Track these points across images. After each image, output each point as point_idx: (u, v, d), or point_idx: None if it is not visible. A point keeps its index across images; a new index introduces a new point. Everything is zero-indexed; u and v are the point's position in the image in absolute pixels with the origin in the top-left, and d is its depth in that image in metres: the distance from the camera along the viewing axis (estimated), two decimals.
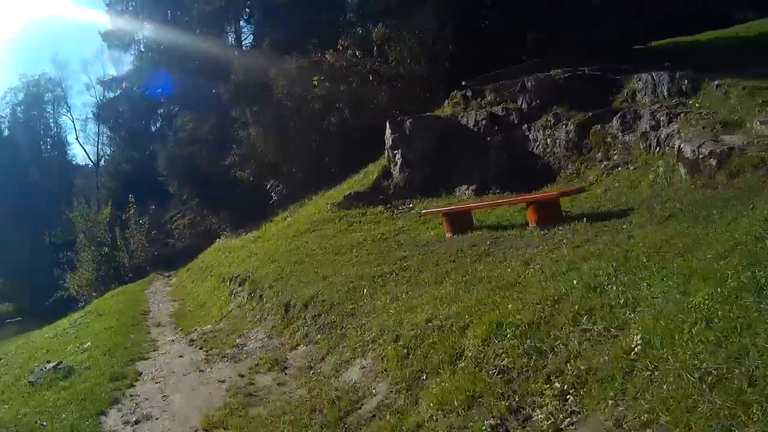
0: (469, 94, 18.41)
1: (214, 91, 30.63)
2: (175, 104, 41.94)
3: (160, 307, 19.99)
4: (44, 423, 8.81)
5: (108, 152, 61.19)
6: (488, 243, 10.43)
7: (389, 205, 16.85)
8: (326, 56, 24.41)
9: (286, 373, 9.10)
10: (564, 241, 9.02)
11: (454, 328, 6.80)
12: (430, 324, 7.21)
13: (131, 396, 9.61)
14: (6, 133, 78.94)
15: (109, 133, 57.60)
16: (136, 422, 8.44)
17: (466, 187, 16.37)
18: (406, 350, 7.10)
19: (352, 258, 12.42)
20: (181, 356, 11.65)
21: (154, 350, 12.63)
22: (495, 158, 16.33)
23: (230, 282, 17.10)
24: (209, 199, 31.11)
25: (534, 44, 20.24)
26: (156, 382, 10.13)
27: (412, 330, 7.35)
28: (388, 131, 18.51)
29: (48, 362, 12.69)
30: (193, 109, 34.78)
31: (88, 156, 73.31)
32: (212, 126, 31.46)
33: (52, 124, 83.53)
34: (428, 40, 21.47)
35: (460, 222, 12.33)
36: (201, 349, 11.94)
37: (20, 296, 59.25)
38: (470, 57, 20.41)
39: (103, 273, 37.93)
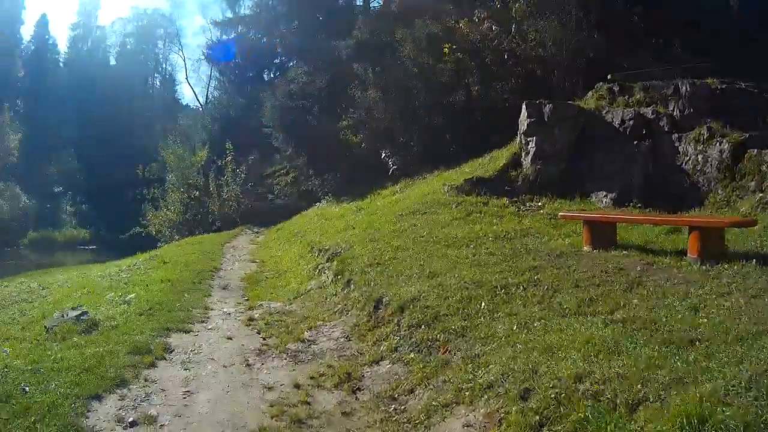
0: (616, 88, 16.24)
1: (334, 43, 29.12)
2: (290, 56, 40.85)
3: (234, 266, 18.51)
4: (26, 387, 7.24)
5: (215, 96, 60.03)
6: (638, 269, 8.63)
7: (515, 199, 14.86)
8: (460, 25, 22.43)
9: (356, 398, 7.22)
10: (734, 285, 7.36)
11: (618, 402, 4.88)
12: (581, 386, 5.27)
13: (145, 381, 7.84)
14: (113, 62, 79.97)
15: (218, 76, 56.62)
16: (131, 424, 6.60)
17: (604, 194, 14.39)
18: (539, 418, 5.16)
19: (468, 255, 10.44)
20: (230, 338, 9.88)
21: (201, 321, 10.97)
22: (640, 167, 14.33)
23: (318, 254, 15.32)
24: (315, 158, 29.32)
25: (684, 46, 17.92)
26: (185, 369, 8.34)
27: (551, 387, 5.38)
28: (523, 114, 16.38)
29: (73, 309, 11.41)
30: (309, 63, 33.16)
31: (196, 97, 73.90)
32: (327, 82, 29.73)
33: (162, 60, 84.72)
34: (571, 25, 19.27)
35: (603, 235, 10.33)
36: (258, 333, 10.15)
37: (100, 225, 59.76)
38: (614, 49, 18.29)
39: (189, 217, 37.05)
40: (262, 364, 8.59)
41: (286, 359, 8.71)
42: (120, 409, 6.93)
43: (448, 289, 8.71)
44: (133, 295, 12.85)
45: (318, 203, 28.48)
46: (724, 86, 14.59)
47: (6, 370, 7.96)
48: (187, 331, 10.24)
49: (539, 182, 15.42)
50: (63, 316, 10.81)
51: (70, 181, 67.64)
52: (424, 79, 22.69)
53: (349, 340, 9.23)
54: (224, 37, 50.32)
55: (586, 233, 10.44)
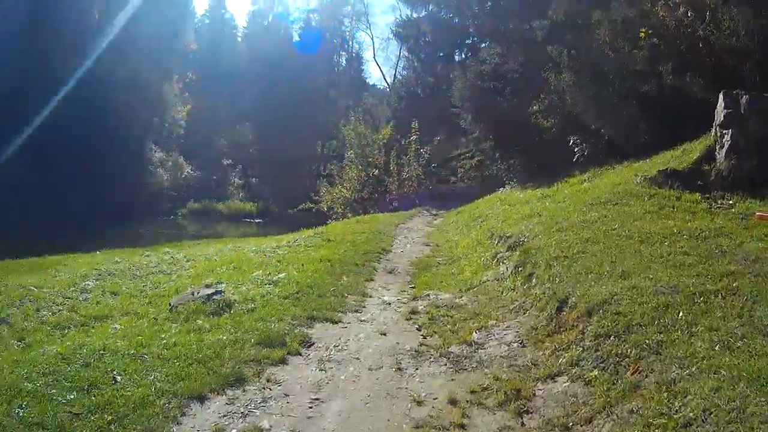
0: None
1: (528, 27, 28.63)
2: (482, 36, 40.60)
3: (405, 248, 18.38)
4: (118, 376, 6.73)
5: (403, 74, 60.53)
6: None
7: (707, 195, 14.23)
8: (657, 8, 21.71)
9: (522, 423, 6.48)
10: None
11: None
12: None
13: (267, 381, 7.29)
14: (296, 38, 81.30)
15: (407, 54, 57.06)
16: None
17: None
18: None
19: (663, 254, 9.94)
20: (384, 333, 9.33)
21: (355, 311, 10.60)
22: None
23: (498, 242, 15.03)
24: (502, 142, 29.17)
25: None
26: (320, 369, 7.83)
27: None
28: (720, 104, 15.63)
29: (207, 286, 10.95)
30: (502, 44, 32.71)
31: (383, 76, 74.65)
32: (519, 64, 29.37)
33: (348, 38, 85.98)
34: (766, 13, 18.24)
35: None
36: (419, 329, 9.65)
37: (270, 199, 61.42)
38: None
39: (365, 195, 37.28)
40: (416, 369, 7.95)
41: (445, 365, 8.08)
42: (224, 416, 6.30)
43: (642, 292, 8.05)
44: (283, 275, 12.54)
45: (502, 188, 28.29)
46: None
47: (102, 351, 7.48)
48: (335, 322, 9.80)
49: (732, 178, 14.72)
50: (193, 294, 10.49)
51: (241, 154, 70.08)
52: (618, 65, 22.07)
53: (524, 346, 8.58)
54: (414, 15, 50.44)
55: None
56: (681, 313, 7.32)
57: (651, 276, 8.79)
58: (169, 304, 10.31)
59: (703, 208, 13.36)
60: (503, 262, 13.22)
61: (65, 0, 43.24)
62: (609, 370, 6.84)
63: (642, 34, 21.24)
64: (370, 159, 38.03)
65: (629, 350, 6.88)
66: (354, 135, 39.03)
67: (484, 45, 38.76)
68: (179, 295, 10.92)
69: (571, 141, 24.43)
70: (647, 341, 6.83)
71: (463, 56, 45.15)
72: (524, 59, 29.08)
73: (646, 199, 14.05)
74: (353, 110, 44.73)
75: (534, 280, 10.79)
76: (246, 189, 66.87)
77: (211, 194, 60.41)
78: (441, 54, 47.91)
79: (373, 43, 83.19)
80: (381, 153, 37.93)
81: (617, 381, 6.53)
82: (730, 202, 13.83)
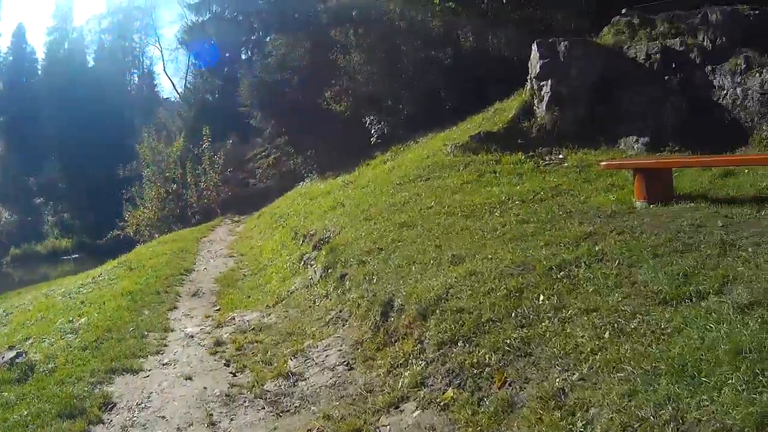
0: (635, 21, 14.18)
1: (311, 11, 27.18)
2: (268, 30, 38.77)
3: (209, 264, 16.32)
4: None
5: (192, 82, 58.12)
6: (720, 224, 6.44)
7: (532, 153, 12.58)
8: None
9: None
10: None
11: None
12: None
13: None
14: (91, 63, 79.05)
15: (194, 61, 54.86)
16: None
17: (635, 138, 12.39)
18: None
19: (496, 226, 8.06)
20: (189, 377, 7.47)
21: (157, 352, 8.70)
22: (672, 105, 12.50)
23: (303, 241, 13.06)
24: (296, 135, 27.44)
25: None
26: None
27: None
28: (534, 55, 14.17)
29: (11, 347, 9.46)
30: (288, 34, 30.67)
31: (174, 87, 71.18)
32: (306, 51, 27.47)
33: (139, 55, 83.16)
34: None
35: (658, 186, 8.18)
36: (227, 365, 7.72)
37: (83, 232, 58.44)
38: None
39: (167, 213, 35.04)
40: (231, 420, 6.18)
41: (264, 408, 6.30)
42: None
43: (485, 278, 6.25)
44: (83, 320, 10.83)
45: (302, 182, 26.43)
46: (757, 12, 12.86)
47: None
48: (136, 371, 8.02)
49: (557, 131, 13.29)
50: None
51: (51, 190, 66.49)
52: (411, 36, 20.48)
53: (351, 368, 6.70)
54: (199, 19, 47.90)
55: (639, 185, 8.24)
56: (541, 297, 5.49)
57: (490, 256, 6.87)
58: None
59: (530, 167, 11.61)
60: (311, 265, 11.21)
61: None
62: (468, 387, 5.03)
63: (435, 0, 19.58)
64: (167, 174, 35.71)
65: (487, 356, 5.11)
66: (148, 152, 36.68)
67: (269, 38, 36.87)
68: None
69: (368, 122, 22.71)
70: (508, 341, 5.09)
71: (250, 54, 43.09)
72: (311, 45, 27.23)
73: (461, 168, 12.15)
74: (145, 127, 42.02)
75: (347, 283, 8.82)
76: (60, 226, 62.72)
77: (29, 237, 56.95)
78: (227, 55, 45.83)
79: (162, 55, 79.45)
80: (177, 167, 35.70)
81: (483, 400, 4.77)
82: (560, 156, 12.30)
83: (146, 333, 9.55)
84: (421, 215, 9.74)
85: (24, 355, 8.84)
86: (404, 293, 6.89)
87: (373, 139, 22.13)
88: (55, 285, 19.58)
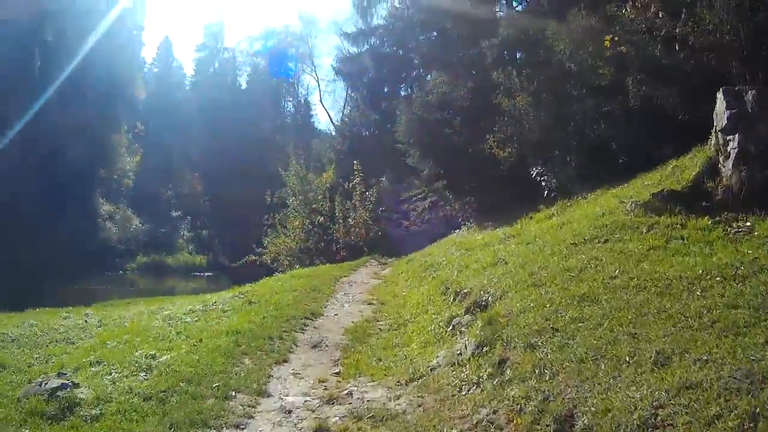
0: None
1: (476, 50, 26.14)
2: (429, 67, 38.29)
3: (342, 310, 15.17)
4: None
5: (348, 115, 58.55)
6: None
7: (718, 219, 10.83)
8: (623, 12, 18.90)
9: None
10: None
11: None
12: None
13: None
14: (244, 85, 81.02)
15: (351, 93, 55.33)
16: None
17: None
18: None
19: (700, 310, 6.70)
20: None
21: (236, 426, 7.41)
22: None
23: (454, 299, 11.79)
24: (454, 178, 26.26)
25: None
26: None
27: None
28: (720, 105, 12.41)
29: (61, 374, 8.67)
30: (449, 72, 29.98)
31: (330, 117, 71.88)
32: (468, 91, 26.60)
33: (294, 82, 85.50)
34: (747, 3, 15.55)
35: None
36: None
37: (219, 252, 60.54)
38: None
39: (311, 245, 34.55)
40: None
41: None
42: None
43: (706, 395, 4.93)
44: (166, 357, 9.89)
45: (458, 230, 25.39)
46: None
47: None
48: None
49: (744, 194, 11.41)
50: (41, 385, 8.20)
51: (191, 205, 69.00)
52: (581, 81, 19.31)
53: None
54: (356, 50, 47.82)
55: None
56: None
57: (704, 357, 5.53)
58: (18, 398, 7.97)
59: (718, 235, 10.04)
60: (461, 333, 9.88)
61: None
62: None
63: (606, 42, 18.34)
64: (314, 205, 35.32)
65: None
66: (296, 180, 36.39)
67: (430, 76, 36.27)
68: (32, 384, 8.47)
69: (534, 172, 21.31)
70: None
71: (409, 90, 42.27)
72: (473, 85, 26.52)
73: (644, 231, 10.74)
74: (294, 154, 42.01)
75: (508, 371, 7.36)
76: (196, 241, 64.68)
77: (160, 247, 57.98)
78: (386, 90, 45.50)
79: (319, 85, 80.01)
80: (325, 199, 35.51)
81: None
82: (748, 224, 10.48)
83: (233, 393, 8.36)
84: (605, 287, 8.41)
85: (69, 388, 8.05)
86: (593, 408, 5.51)
87: (538, 192, 20.72)
88: (167, 303, 18.77)
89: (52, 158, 43.24)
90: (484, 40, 25.13)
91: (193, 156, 70.93)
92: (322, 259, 32.01)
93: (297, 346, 11.46)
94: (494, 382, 7.42)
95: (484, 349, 8.42)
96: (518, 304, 9.04)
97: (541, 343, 7.35)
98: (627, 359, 6.08)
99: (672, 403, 5.01)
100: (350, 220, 34.03)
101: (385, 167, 38.98)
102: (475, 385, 7.77)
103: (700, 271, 8.04)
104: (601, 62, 18.67)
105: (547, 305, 8.47)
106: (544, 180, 20.91)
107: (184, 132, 70.74)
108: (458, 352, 9.05)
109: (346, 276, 21.78)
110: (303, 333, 12.48)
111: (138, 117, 68.20)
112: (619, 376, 5.85)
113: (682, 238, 10.00)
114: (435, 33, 36.75)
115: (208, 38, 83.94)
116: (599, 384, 5.82)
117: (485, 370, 7.88)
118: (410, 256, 24.15)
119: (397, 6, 41.30)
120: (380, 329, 12.98)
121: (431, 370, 9.05)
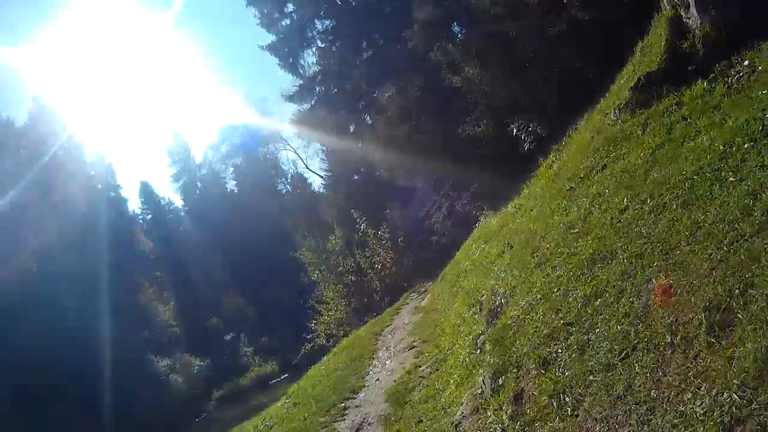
0: None
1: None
2: (374, 86, 37.00)
3: (383, 371, 13.72)
4: None
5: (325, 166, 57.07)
6: None
7: (713, 75, 8.51)
8: None
9: None
10: None
11: None
12: None
13: None
14: (231, 187, 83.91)
15: (320, 145, 53.98)
16: None
17: None
18: None
19: (745, 201, 4.71)
20: None
21: None
22: None
23: (478, 311, 9.94)
24: (454, 168, 24.83)
25: None
26: None
27: None
28: None
29: None
30: (397, 81, 29.09)
31: (321, 177, 69.92)
32: (419, 89, 26.11)
33: (279, 163, 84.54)
34: None
35: None
36: None
37: (285, 352, 57.44)
38: None
39: (355, 305, 33.47)
40: None
41: None
42: None
43: None
44: None
45: (477, 224, 23.35)
46: None
47: None
48: None
49: (727, 33, 9.10)
50: None
51: (238, 322, 68.17)
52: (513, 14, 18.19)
53: None
54: (308, 105, 46.56)
55: None
56: None
57: None
58: None
59: (721, 92, 7.87)
60: (482, 360, 7.92)
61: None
62: None
63: None
64: (340, 268, 34.66)
65: None
66: (311, 255, 36.96)
67: (376, 93, 35.09)
68: None
69: (514, 130, 19.75)
70: None
71: (367, 116, 41.02)
72: (423, 82, 26.14)
73: (640, 133, 8.66)
74: (300, 232, 41.33)
75: (528, 410, 5.47)
76: (260, 352, 63.10)
77: (227, 375, 56.96)
78: (351, 128, 44.03)
79: (297, 154, 78.09)
80: (346, 258, 34.74)
81: None
82: (746, 62, 8.20)
83: None
84: (615, 230, 6.36)
85: None
86: None
87: (526, 146, 19.11)
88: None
89: (93, 341, 43.24)
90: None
91: (219, 278, 69.87)
92: (371, 314, 30.21)
93: None
94: (516, 427, 5.54)
95: (500, 380, 6.52)
96: (525, 300, 7.20)
97: (555, 353, 5.50)
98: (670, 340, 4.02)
99: None
100: (377, 265, 32.68)
101: (388, 200, 37.48)
102: None
103: (721, 147, 5.99)
104: None
105: (555, 291, 6.56)
106: (528, 132, 19.46)
107: (201, 262, 69.94)
108: (480, 391, 7.15)
109: (388, 325, 20.25)
110: (343, 420, 11.32)
111: (152, 265, 68.36)
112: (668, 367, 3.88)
113: (685, 119, 7.90)
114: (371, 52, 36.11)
115: (178, 165, 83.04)
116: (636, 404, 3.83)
117: (506, 412, 5.94)
118: (443, 272, 22.17)
119: (321, 46, 39.98)
120: (421, 378, 11.31)
121: (455, 427, 7.25)
